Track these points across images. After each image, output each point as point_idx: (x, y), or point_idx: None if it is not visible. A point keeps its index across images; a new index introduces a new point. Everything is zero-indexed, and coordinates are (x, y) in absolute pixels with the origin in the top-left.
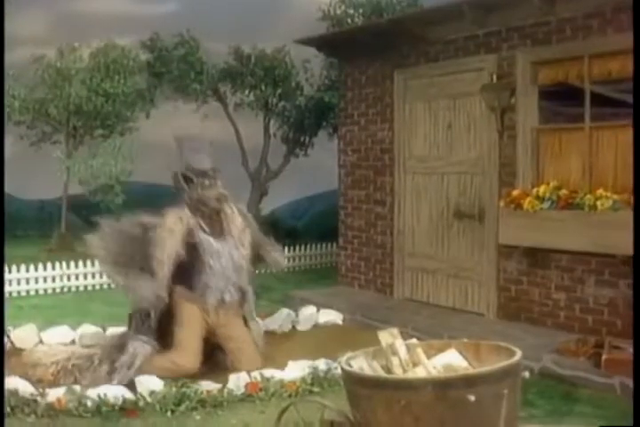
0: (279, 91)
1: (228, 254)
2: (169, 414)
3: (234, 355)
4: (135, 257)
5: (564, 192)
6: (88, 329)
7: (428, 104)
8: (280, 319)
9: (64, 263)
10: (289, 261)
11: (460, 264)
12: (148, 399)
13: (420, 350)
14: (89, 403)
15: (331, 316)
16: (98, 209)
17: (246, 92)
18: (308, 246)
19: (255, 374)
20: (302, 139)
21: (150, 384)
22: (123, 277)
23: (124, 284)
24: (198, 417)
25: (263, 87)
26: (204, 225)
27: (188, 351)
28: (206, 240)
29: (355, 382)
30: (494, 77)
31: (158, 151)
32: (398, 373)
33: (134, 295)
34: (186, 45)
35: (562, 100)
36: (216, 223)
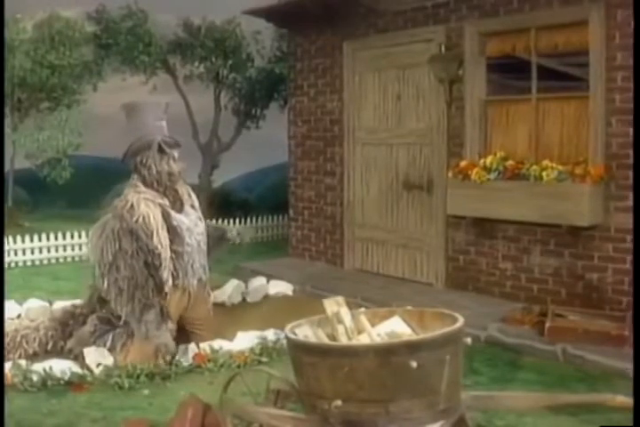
0: (230, 62)
1: (195, 229)
2: (117, 388)
3: (199, 336)
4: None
5: (510, 163)
6: (34, 304)
7: (377, 75)
8: (229, 291)
9: (10, 238)
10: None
11: (410, 235)
12: (96, 373)
13: (364, 318)
14: (34, 377)
15: (281, 287)
16: (45, 183)
17: (196, 63)
18: (260, 218)
19: (203, 345)
20: (253, 111)
21: (98, 356)
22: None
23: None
24: (147, 391)
25: (213, 59)
26: (168, 203)
27: (146, 353)
28: (179, 219)
29: (299, 350)
30: (443, 48)
31: (107, 124)
32: (343, 341)
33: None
34: (133, 17)
35: (509, 73)
36: (174, 198)
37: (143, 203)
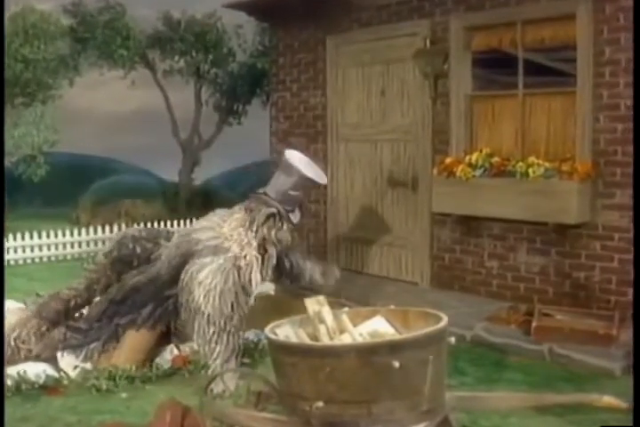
0: (210, 57)
1: None
2: (94, 391)
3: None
4: None
5: (496, 160)
6: (11, 305)
7: (361, 70)
8: None
9: None
10: None
11: (394, 233)
12: (72, 376)
13: (345, 318)
14: (9, 382)
15: (263, 286)
16: (20, 181)
17: (176, 58)
18: None
19: (183, 347)
20: (235, 107)
21: (74, 360)
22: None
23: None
24: (124, 394)
25: (194, 53)
26: None
27: (132, 353)
28: None
29: (280, 350)
30: (427, 43)
31: (84, 120)
32: (325, 341)
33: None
34: (111, 10)
35: (495, 68)
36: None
37: (256, 264)
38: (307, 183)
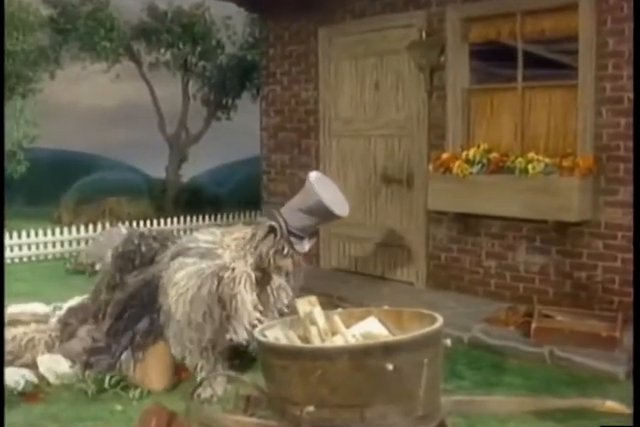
0: (198, 49)
1: None
2: (82, 396)
3: None
4: None
5: (494, 155)
6: None
7: (354, 62)
8: None
9: None
10: None
11: (389, 231)
12: (53, 383)
13: (338, 319)
14: None
15: None
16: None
17: (162, 50)
18: (232, 215)
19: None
20: (224, 101)
21: (54, 365)
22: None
23: None
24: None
25: (181, 45)
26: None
27: (160, 371)
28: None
29: (269, 352)
30: (423, 34)
31: (65, 115)
32: (317, 342)
33: None
34: (94, 0)
35: (494, 60)
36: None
37: (245, 280)
38: (322, 210)
